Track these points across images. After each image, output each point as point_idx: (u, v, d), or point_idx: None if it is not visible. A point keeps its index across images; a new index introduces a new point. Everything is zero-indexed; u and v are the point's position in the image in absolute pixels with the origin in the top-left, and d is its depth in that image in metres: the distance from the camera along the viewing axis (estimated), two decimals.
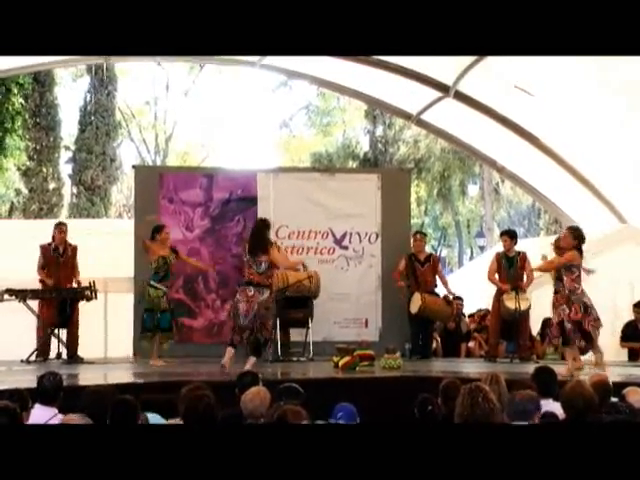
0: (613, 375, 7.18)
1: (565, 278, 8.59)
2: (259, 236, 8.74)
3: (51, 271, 10.17)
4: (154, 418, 5.40)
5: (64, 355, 10.12)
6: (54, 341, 10.20)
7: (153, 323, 9.55)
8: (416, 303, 10.66)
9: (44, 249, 10.25)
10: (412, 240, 11.28)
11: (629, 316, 11.39)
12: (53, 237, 10.32)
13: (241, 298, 8.60)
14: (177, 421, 5.13)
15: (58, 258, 10.25)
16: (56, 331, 10.16)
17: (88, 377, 8.26)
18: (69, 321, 10.13)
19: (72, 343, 10.14)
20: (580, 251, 8.60)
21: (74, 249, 10.35)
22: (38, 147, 24.28)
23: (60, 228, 10.36)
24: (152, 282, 9.58)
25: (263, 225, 8.89)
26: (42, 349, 10.05)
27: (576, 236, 8.64)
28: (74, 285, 10.24)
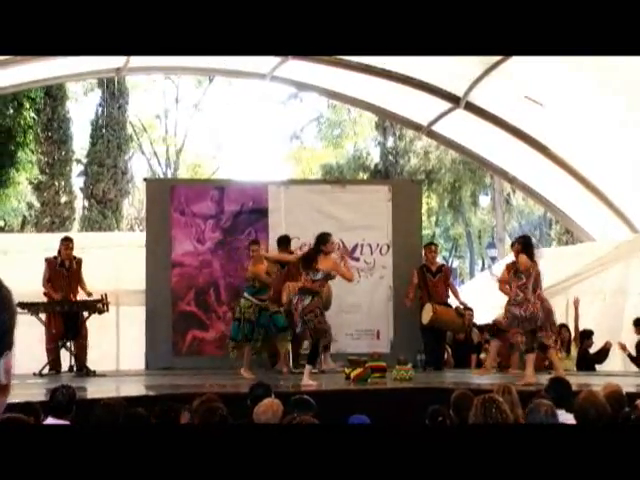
0: (627, 385, 7.13)
1: (512, 284, 8.69)
2: (313, 248, 8.75)
3: (58, 285, 10.20)
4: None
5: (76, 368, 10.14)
6: (65, 354, 10.23)
7: (242, 333, 9.59)
8: (427, 314, 10.63)
9: (50, 262, 10.29)
10: (426, 251, 11.26)
11: None
12: (59, 251, 10.35)
13: (294, 308, 8.74)
14: None
15: (64, 272, 10.28)
16: (67, 344, 10.19)
17: (100, 390, 8.27)
18: (77, 333, 10.15)
19: (81, 355, 10.16)
20: (531, 259, 8.65)
21: (79, 262, 10.39)
22: (50, 161, 24.38)
23: (67, 245, 10.37)
24: (246, 294, 9.69)
25: (320, 237, 8.83)
26: (53, 362, 10.08)
27: (520, 242, 8.86)
28: (85, 297, 10.26)
